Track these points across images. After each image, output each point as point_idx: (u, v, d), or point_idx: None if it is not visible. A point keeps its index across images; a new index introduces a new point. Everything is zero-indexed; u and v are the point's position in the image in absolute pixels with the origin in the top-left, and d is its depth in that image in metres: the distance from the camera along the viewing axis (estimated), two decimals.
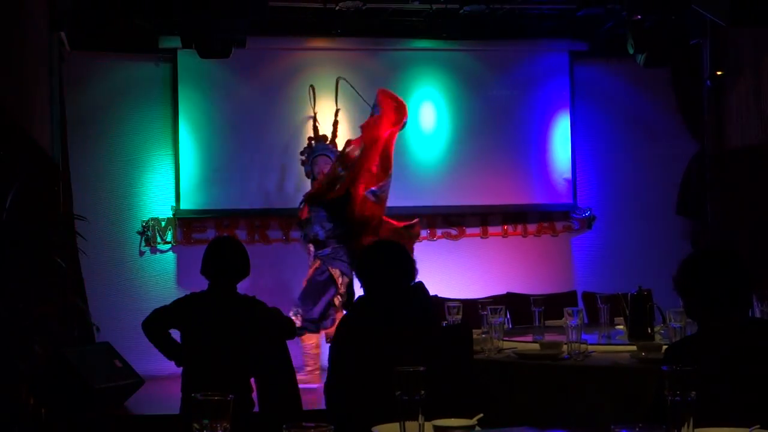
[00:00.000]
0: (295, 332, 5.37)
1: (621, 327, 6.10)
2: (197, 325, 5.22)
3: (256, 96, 10.05)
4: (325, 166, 9.19)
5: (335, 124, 9.77)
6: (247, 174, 9.97)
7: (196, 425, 2.36)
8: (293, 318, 8.27)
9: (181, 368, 5.42)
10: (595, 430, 2.85)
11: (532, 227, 10.66)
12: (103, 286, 9.42)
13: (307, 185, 9.43)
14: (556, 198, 10.63)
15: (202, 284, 5.39)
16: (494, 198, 10.45)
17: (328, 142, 9.55)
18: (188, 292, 5.56)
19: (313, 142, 9.53)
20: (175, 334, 5.41)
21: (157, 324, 5.33)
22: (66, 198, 8.61)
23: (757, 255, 8.42)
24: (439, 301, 6.69)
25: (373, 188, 8.94)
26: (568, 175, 10.62)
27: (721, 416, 2.89)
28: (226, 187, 9.90)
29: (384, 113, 9.06)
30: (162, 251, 9.83)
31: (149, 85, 9.92)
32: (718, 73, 9.78)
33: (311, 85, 9.90)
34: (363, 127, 9.11)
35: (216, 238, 5.50)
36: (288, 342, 5.45)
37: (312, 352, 8.74)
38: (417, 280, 4.49)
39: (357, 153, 8.90)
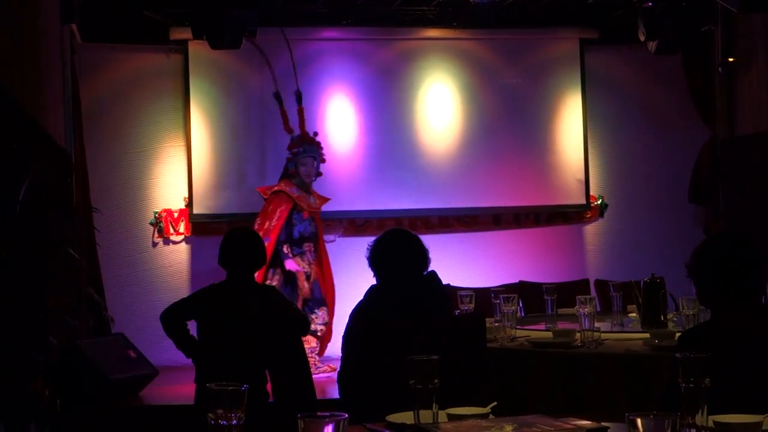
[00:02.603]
0: (308, 329, 5.39)
1: (634, 315, 6.11)
2: (215, 315, 5.25)
3: (267, 86, 10.04)
4: (310, 167, 9.19)
5: (301, 111, 9.75)
6: (259, 173, 9.97)
7: (210, 415, 2.37)
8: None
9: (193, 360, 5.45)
10: (608, 417, 2.85)
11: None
12: (116, 278, 9.45)
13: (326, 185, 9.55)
14: (568, 198, 10.60)
15: (215, 275, 5.42)
16: (506, 200, 10.43)
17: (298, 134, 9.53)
18: (201, 283, 5.59)
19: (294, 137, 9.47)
20: (191, 325, 5.44)
21: (174, 316, 5.36)
22: (80, 190, 8.63)
23: None
24: (452, 290, 6.70)
25: None
26: (581, 174, 10.59)
27: (735, 403, 2.90)
28: (239, 189, 9.88)
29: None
30: (175, 242, 9.85)
31: (160, 77, 9.93)
32: (730, 59, 9.74)
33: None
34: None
35: (232, 228, 5.52)
36: None
37: None
38: (430, 269, 4.50)
39: None
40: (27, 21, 6.38)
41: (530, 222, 10.59)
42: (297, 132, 9.51)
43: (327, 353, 8.90)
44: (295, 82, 9.79)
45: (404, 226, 9.87)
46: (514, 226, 10.54)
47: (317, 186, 9.41)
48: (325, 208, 9.82)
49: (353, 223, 10.09)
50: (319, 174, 9.32)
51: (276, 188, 9.10)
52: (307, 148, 9.24)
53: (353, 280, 9.71)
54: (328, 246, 9.48)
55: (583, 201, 10.64)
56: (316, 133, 9.48)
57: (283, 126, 9.63)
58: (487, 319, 5.13)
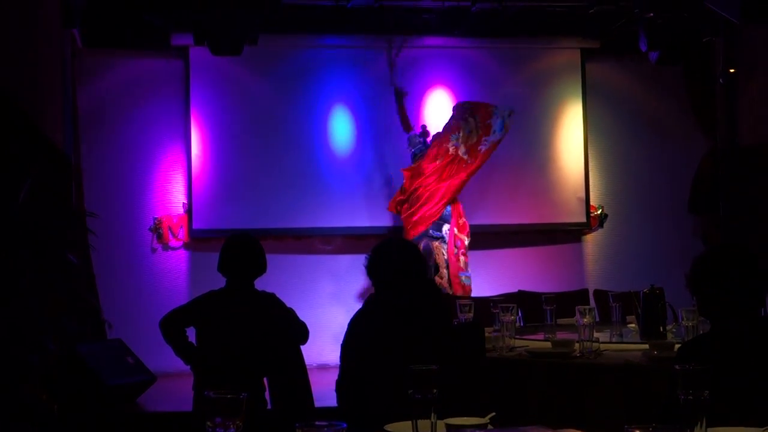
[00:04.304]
0: (308, 337, 5.37)
1: (633, 325, 6.10)
2: (214, 322, 5.23)
3: (268, 93, 10.05)
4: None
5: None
6: (261, 186, 9.97)
7: (209, 423, 2.36)
8: None
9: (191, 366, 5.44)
10: (607, 429, 2.84)
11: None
12: (114, 283, 9.43)
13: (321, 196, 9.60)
14: (568, 216, 10.59)
15: (214, 281, 5.40)
16: (506, 217, 10.39)
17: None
18: (200, 290, 5.57)
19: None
20: (190, 332, 5.43)
21: (174, 323, 5.34)
22: (78, 194, 8.62)
23: None
24: (451, 300, 6.69)
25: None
26: (582, 192, 10.57)
27: (734, 415, 2.89)
28: (239, 202, 9.84)
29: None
30: (174, 248, 9.84)
31: (161, 82, 9.93)
32: (731, 70, 9.74)
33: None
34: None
35: (232, 235, 5.50)
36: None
37: None
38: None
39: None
40: (28, 25, 6.37)
41: (530, 235, 10.55)
42: (415, 130, 9.87)
43: (325, 360, 8.87)
44: (392, 82, 10.15)
45: None
46: (515, 239, 10.50)
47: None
48: (322, 223, 9.86)
49: (351, 238, 10.04)
50: None
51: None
52: (426, 141, 9.77)
53: (354, 291, 9.77)
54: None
55: (584, 219, 10.62)
56: (424, 126, 9.89)
57: (402, 124, 9.96)
58: (486, 328, 5.13)
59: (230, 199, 9.84)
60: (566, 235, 10.68)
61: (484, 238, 10.15)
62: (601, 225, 10.74)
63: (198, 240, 9.78)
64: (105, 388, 7.20)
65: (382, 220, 9.97)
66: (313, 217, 9.96)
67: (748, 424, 2.81)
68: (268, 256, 5.41)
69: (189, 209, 9.77)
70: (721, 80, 9.84)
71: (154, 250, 9.81)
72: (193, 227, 9.77)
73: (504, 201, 10.38)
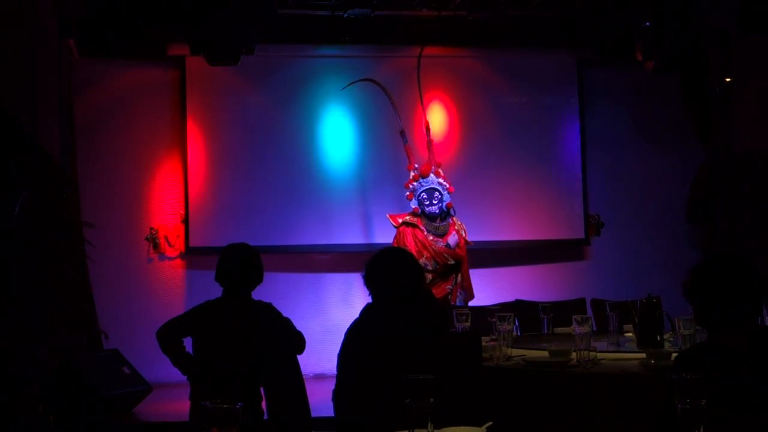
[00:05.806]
0: (304, 347, 5.36)
1: (630, 334, 6.09)
2: (211, 332, 5.22)
3: (265, 103, 10.05)
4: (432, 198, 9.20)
5: (430, 143, 9.63)
6: (257, 200, 9.95)
7: None
8: None
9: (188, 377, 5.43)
10: None
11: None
12: (110, 293, 9.40)
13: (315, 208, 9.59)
14: (567, 233, 10.58)
15: (211, 291, 5.39)
16: (503, 233, 10.36)
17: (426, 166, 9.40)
18: (196, 299, 5.56)
19: (414, 173, 9.36)
20: (187, 342, 5.42)
21: (171, 333, 5.33)
22: (74, 205, 8.61)
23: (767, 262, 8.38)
24: (448, 308, 6.68)
25: None
26: (580, 208, 10.57)
27: (731, 424, 2.88)
28: (236, 220, 9.78)
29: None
30: (170, 258, 9.82)
31: (157, 92, 9.92)
32: (727, 79, 9.75)
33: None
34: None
35: (229, 245, 5.48)
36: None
37: None
38: None
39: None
40: (24, 35, 6.37)
41: (528, 250, 10.53)
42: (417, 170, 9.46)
43: (322, 370, 8.86)
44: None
45: None
46: (512, 255, 10.48)
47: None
48: (310, 240, 9.80)
49: (348, 254, 9.98)
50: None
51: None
52: (422, 182, 9.28)
53: (351, 302, 9.77)
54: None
55: (582, 235, 10.62)
56: (439, 164, 9.46)
57: (408, 164, 9.46)
58: (483, 337, 5.11)
59: (226, 216, 9.79)
60: (564, 248, 10.67)
61: (481, 255, 10.11)
62: (597, 233, 10.74)
63: (195, 251, 9.75)
64: (101, 398, 7.19)
65: (380, 235, 9.89)
66: (310, 231, 9.93)
67: None
68: (266, 272, 5.40)
69: (186, 221, 9.75)
70: (717, 89, 9.85)
71: (150, 260, 9.80)
72: (190, 245, 9.74)
73: (500, 215, 10.34)
